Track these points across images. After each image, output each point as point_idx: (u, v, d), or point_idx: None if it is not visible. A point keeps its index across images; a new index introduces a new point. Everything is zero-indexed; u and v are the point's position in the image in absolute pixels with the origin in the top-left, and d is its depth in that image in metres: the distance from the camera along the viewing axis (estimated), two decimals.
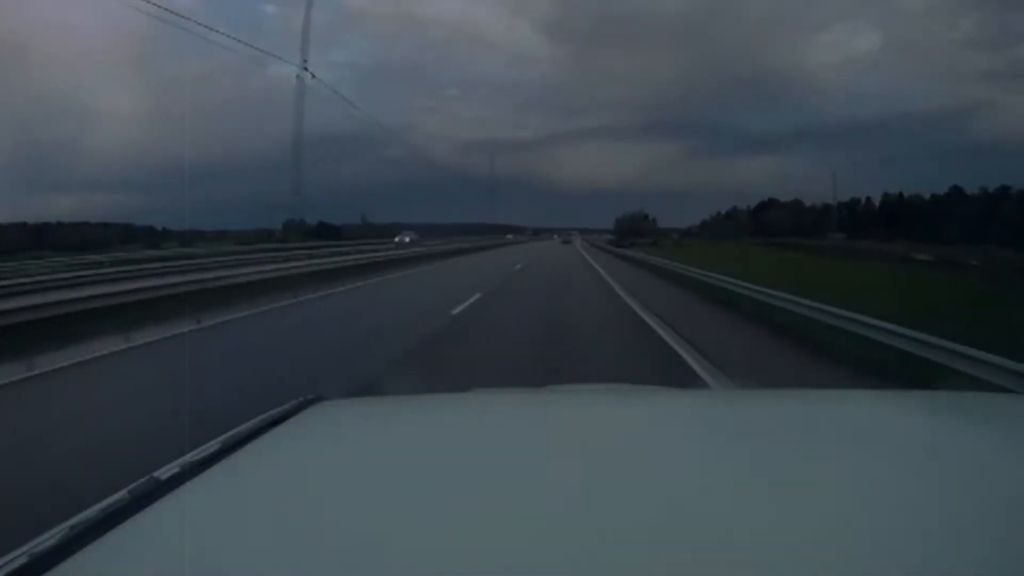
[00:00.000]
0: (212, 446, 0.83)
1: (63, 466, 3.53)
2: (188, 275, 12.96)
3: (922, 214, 54.61)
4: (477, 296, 11.94)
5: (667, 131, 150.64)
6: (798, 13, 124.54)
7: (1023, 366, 4.15)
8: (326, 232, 55.96)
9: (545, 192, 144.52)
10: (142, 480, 0.71)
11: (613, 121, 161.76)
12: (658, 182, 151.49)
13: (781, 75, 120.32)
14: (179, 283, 11.43)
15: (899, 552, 0.51)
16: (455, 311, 9.93)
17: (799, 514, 0.58)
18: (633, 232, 76.27)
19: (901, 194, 68.01)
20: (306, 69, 34.74)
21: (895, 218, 56.77)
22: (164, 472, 0.74)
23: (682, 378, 5.41)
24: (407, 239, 44.33)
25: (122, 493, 0.68)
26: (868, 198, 65.34)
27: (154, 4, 15.93)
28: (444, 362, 6.35)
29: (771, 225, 65.76)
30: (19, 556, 0.57)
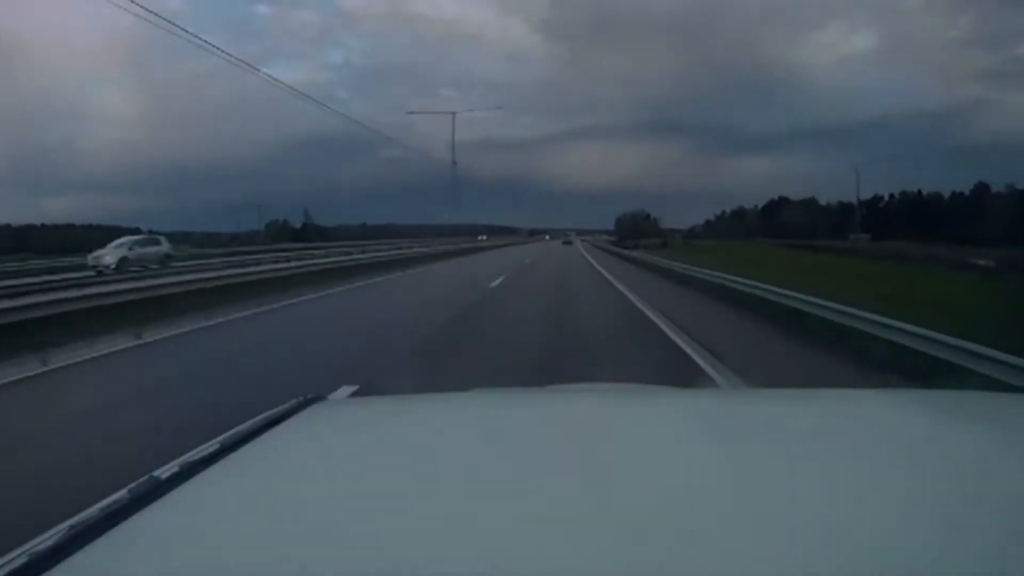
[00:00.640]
0: (212, 446, 0.82)
1: None
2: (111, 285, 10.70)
3: (951, 213, 50.54)
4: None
5: (665, 130, 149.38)
6: (797, 11, 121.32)
7: None
8: (312, 234, 54.45)
9: (542, 192, 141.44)
10: (142, 480, 0.71)
11: (609, 120, 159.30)
12: (657, 182, 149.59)
13: (779, 73, 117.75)
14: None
15: (900, 552, 0.51)
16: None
17: (800, 514, 0.58)
18: (636, 232, 72.54)
19: (920, 192, 64.15)
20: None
21: (920, 217, 52.72)
22: (164, 472, 0.73)
23: None
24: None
25: (122, 493, 0.67)
26: (892, 195, 61.00)
27: (142, 7, 14.53)
28: None
29: (784, 225, 61.58)
30: (19, 556, 0.57)
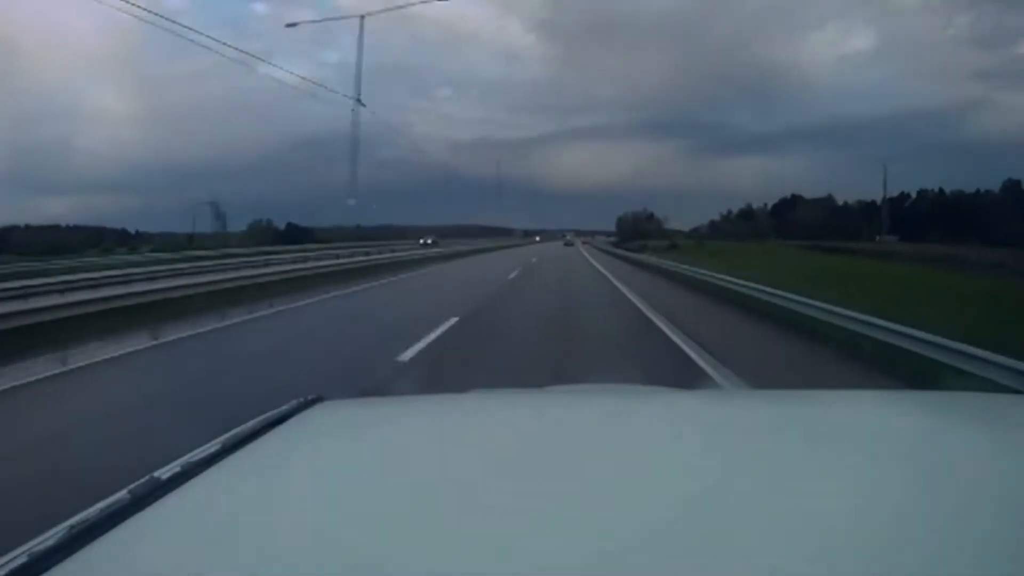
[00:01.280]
0: (212, 446, 0.82)
1: None
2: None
3: (980, 212, 46.07)
4: None
5: (663, 130, 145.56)
6: (795, 10, 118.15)
7: None
8: (295, 235, 51.48)
9: (540, 193, 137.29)
10: (142, 480, 0.71)
11: (607, 120, 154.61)
12: (656, 182, 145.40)
13: (779, 71, 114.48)
14: None
15: (900, 552, 0.51)
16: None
17: (800, 515, 0.58)
18: (637, 233, 68.12)
19: (942, 190, 59.76)
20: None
21: (948, 217, 48.29)
22: (164, 472, 0.73)
23: None
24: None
25: (122, 493, 0.67)
26: (921, 192, 56.19)
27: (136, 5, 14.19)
28: None
29: (798, 225, 57.18)
30: (19, 556, 0.57)
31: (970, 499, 0.60)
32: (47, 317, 7.49)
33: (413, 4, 33.33)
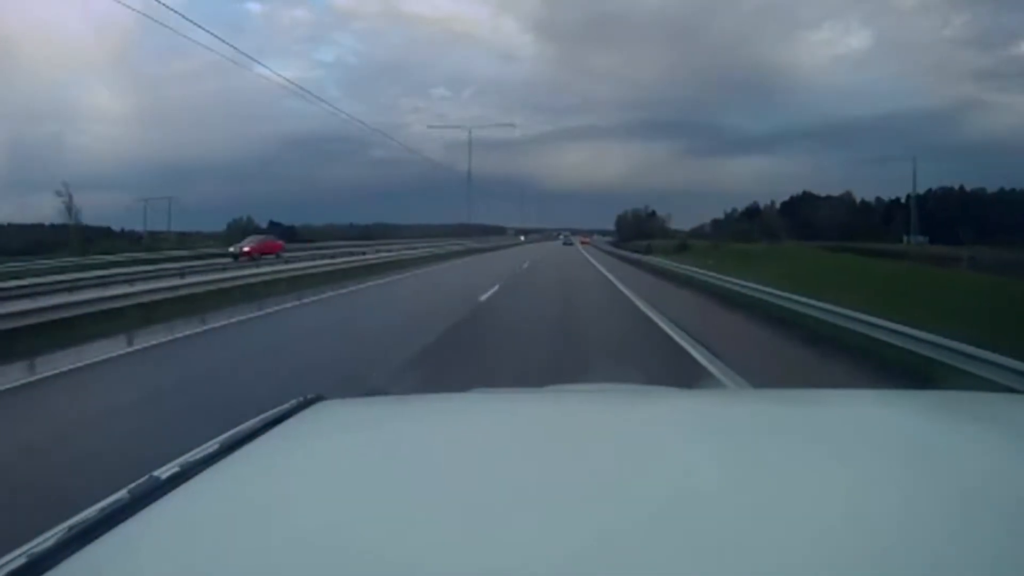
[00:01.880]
0: (212, 446, 0.82)
1: None
2: None
3: (1009, 211, 42.09)
4: None
5: (659, 129, 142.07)
6: (794, 9, 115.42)
7: None
8: (278, 234, 47.07)
9: (534, 191, 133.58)
10: (142, 480, 0.71)
11: (603, 119, 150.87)
12: (653, 181, 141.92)
13: (778, 69, 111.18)
14: None
15: (900, 553, 0.51)
16: None
17: (800, 515, 0.58)
18: (638, 232, 64.09)
19: (962, 187, 55.87)
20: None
21: (974, 216, 44.38)
22: (164, 472, 0.73)
23: None
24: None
25: (122, 493, 0.67)
26: (950, 188, 51.89)
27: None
28: None
29: (812, 224, 53.24)
30: (18, 556, 0.56)
31: (970, 499, 0.60)
32: None
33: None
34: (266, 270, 14.06)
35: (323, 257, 21.10)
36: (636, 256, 27.71)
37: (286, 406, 1.01)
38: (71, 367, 5.81)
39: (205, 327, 8.27)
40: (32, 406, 4.89)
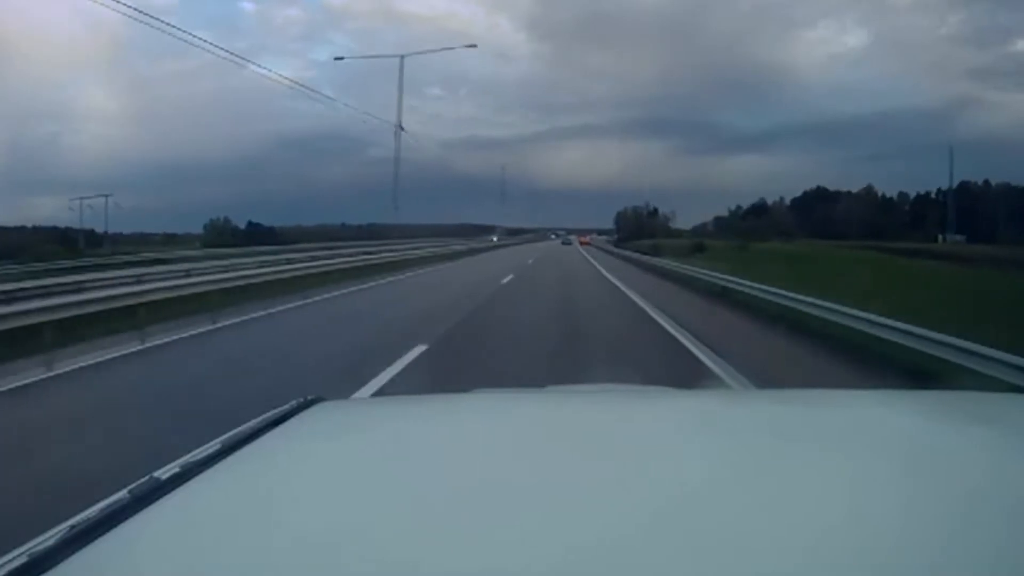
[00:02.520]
0: (212, 446, 0.82)
1: None
2: None
3: None
4: None
5: (655, 127, 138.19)
6: (793, 7, 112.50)
7: None
8: (258, 236, 47.23)
9: (529, 190, 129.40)
10: (142, 480, 0.70)
11: (598, 117, 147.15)
12: (651, 179, 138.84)
13: (772, 70, 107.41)
14: None
15: (900, 553, 0.51)
16: None
17: (800, 515, 0.58)
18: (640, 231, 59.41)
19: (988, 181, 51.33)
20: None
21: (1014, 213, 39.79)
22: (164, 472, 0.73)
23: None
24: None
25: (122, 493, 0.67)
26: (988, 182, 46.84)
27: None
28: None
29: (830, 221, 48.73)
30: (19, 556, 0.56)
31: (970, 499, 0.60)
32: None
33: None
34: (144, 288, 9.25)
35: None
36: (646, 259, 22.75)
37: (286, 407, 1.00)
38: None
39: None
40: None
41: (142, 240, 46.89)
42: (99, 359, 6.17)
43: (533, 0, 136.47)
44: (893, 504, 0.59)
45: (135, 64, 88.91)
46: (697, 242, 34.09)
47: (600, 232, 79.79)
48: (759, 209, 66.18)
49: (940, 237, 39.71)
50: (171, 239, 49.47)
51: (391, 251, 24.97)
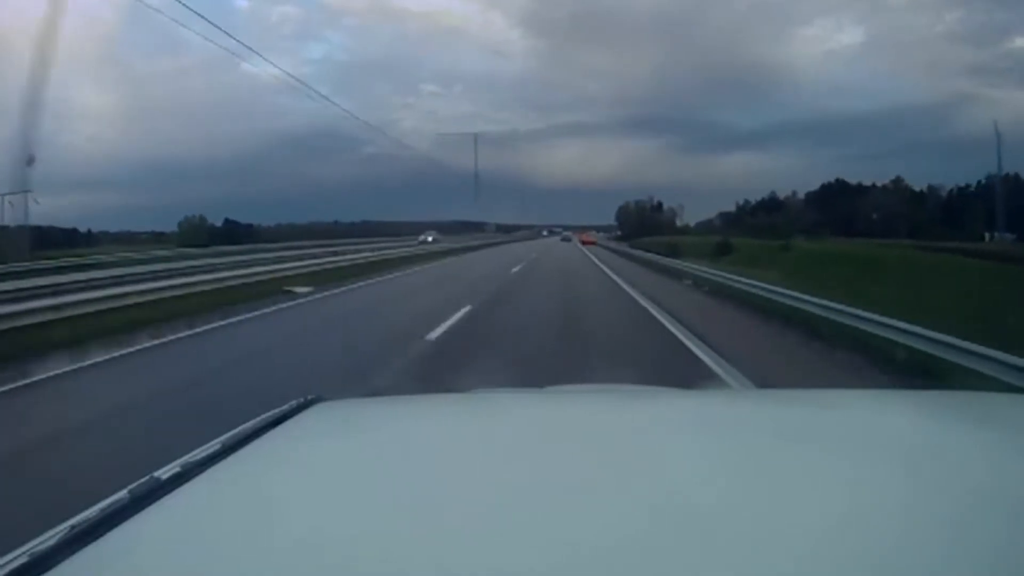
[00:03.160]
0: (212, 446, 0.81)
1: None
2: None
3: None
4: None
5: (652, 125, 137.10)
6: (792, 5, 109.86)
7: None
8: (235, 234, 45.50)
9: (525, 187, 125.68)
10: (142, 480, 0.70)
11: (594, 114, 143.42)
12: (649, 176, 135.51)
13: (770, 67, 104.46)
14: None
15: (900, 553, 0.51)
16: None
17: (800, 515, 0.58)
18: (644, 228, 55.05)
19: (1018, 175, 46.99)
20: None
21: None
22: (164, 472, 0.73)
23: None
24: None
25: (122, 493, 0.67)
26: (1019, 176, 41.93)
27: None
28: None
29: (855, 217, 44.47)
30: (19, 556, 0.56)
31: (970, 499, 0.60)
32: None
33: None
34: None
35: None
36: (666, 263, 17.91)
37: (286, 407, 0.99)
38: None
39: None
40: None
41: (128, 239, 45.96)
42: None
43: None
44: (893, 504, 0.59)
45: (123, 60, 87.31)
46: (722, 241, 29.35)
47: (599, 229, 75.33)
48: (770, 204, 61.85)
49: (987, 236, 35.32)
50: (159, 237, 48.85)
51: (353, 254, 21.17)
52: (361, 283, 14.24)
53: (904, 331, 5.61)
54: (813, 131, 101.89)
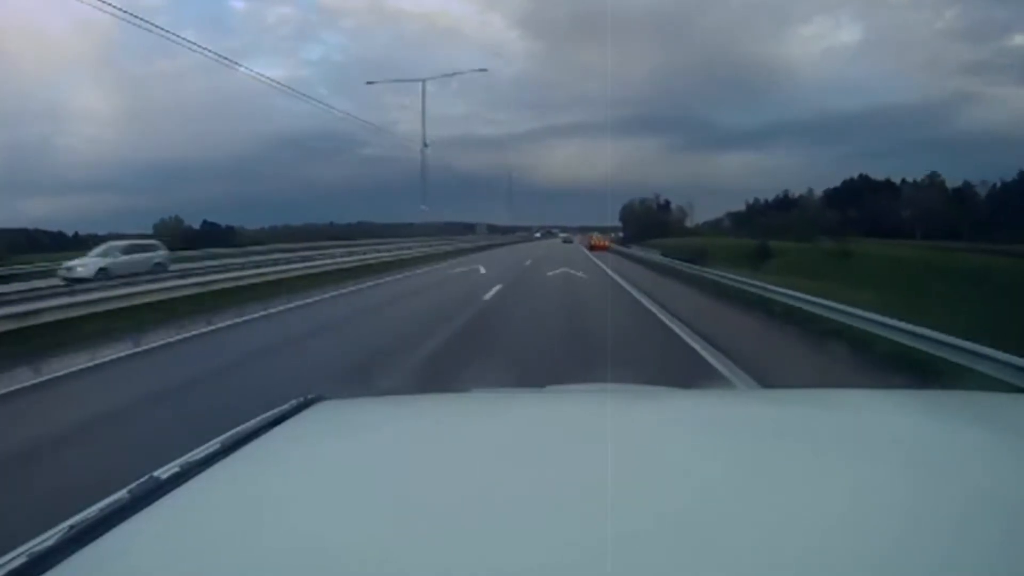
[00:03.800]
0: (212, 446, 0.81)
1: None
2: None
3: None
4: None
5: (650, 124, 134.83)
6: (793, 4, 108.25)
7: None
8: (213, 237, 43.86)
9: (521, 187, 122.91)
10: (142, 480, 0.70)
11: (592, 115, 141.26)
12: (648, 175, 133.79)
13: (768, 67, 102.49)
14: None
15: (900, 552, 0.51)
16: None
17: (801, 515, 0.58)
18: (650, 228, 51.35)
19: None
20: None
21: None
22: (164, 472, 0.72)
23: None
24: None
25: (122, 493, 0.67)
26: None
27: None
28: None
29: (883, 216, 40.73)
30: (19, 556, 0.57)
31: (970, 498, 0.60)
32: None
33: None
34: None
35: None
36: (700, 274, 13.64)
37: (286, 406, 0.99)
38: None
39: None
40: None
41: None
42: None
43: None
44: (894, 503, 0.59)
45: (121, 64, 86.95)
46: (760, 245, 25.17)
47: (599, 229, 71.48)
48: (784, 203, 57.98)
49: None
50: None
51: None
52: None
53: None
54: (815, 129, 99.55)
